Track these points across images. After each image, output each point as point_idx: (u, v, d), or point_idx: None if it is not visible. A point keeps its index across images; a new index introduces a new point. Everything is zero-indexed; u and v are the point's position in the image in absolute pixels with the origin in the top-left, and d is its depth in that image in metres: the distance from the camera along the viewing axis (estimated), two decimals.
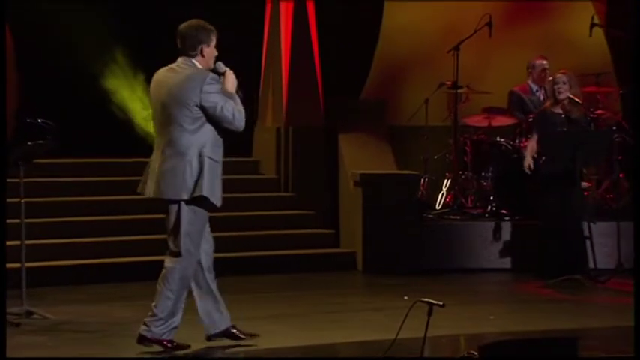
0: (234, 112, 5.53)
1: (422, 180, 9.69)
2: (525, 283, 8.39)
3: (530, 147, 8.65)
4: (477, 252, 9.18)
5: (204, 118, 5.53)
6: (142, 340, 5.63)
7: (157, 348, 5.65)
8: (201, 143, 5.53)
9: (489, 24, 9.73)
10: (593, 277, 8.22)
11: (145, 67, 9.25)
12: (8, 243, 7.25)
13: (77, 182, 9.41)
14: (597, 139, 8.74)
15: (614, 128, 9.50)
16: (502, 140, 9.61)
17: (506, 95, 9.95)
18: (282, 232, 9.55)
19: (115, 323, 6.56)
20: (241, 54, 10.46)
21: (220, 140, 5.63)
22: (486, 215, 9.43)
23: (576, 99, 8.54)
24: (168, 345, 5.65)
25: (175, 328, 5.65)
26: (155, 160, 5.65)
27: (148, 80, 5.86)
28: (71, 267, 8.36)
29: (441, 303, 5.06)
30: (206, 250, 5.74)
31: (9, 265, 7.18)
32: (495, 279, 8.84)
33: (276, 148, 10.30)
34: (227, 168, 10.23)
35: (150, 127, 6.21)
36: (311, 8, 10.20)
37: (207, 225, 5.72)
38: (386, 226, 9.11)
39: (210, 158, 5.56)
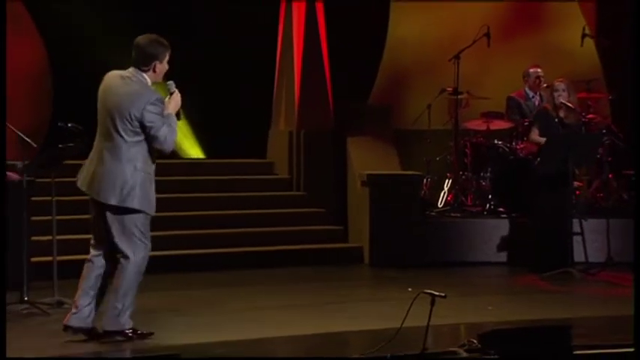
0: (167, 136, 5.50)
1: (425, 180, 9.68)
2: (521, 276, 8.36)
3: (535, 137, 8.63)
4: (477, 247, 9.16)
5: (142, 134, 5.52)
6: (105, 335, 5.59)
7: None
8: (137, 156, 5.51)
9: (487, 34, 9.72)
10: (584, 270, 8.20)
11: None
12: (41, 238, 7.31)
13: None
14: (588, 141, 8.73)
15: (604, 131, 9.45)
16: (500, 143, 9.59)
17: (504, 101, 9.93)
18: (294, 228, 9.55)
19: (137, 312, 6.56)
20: (258, 60, 10.50)
21: (154, 154, 5.59)
22: (485, 213, 9.40)
23: (571, 105, 8.53)
24: (130, 334, 5.62)
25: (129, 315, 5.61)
26: (92, 159, 5.62)
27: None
28: None
29: (443, 294, 5.05)
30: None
31: (42, 259, 7.23)
32: (493, 272, 8.81)
33: (289, 150, 10.30)
34: (243, 169, 10.41)
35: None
36: (321, 19, 10.21)
37: None
38: (391, 223, 9.10)
39: (145, 172, 5.54)
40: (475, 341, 5.23)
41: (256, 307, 6.96)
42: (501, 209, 9.34)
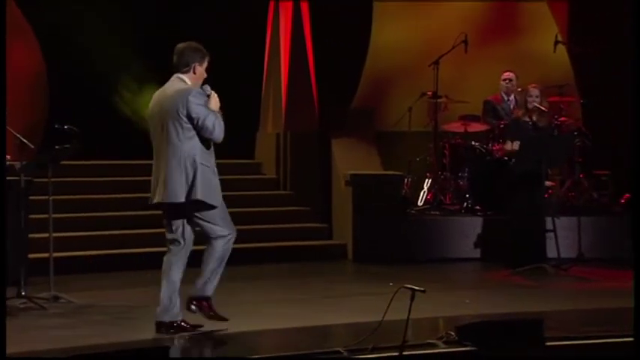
0: (215, 124, 5.53)
1: (405, 180, 9.70)
2: (497, 271, 8.38)
3: (509, 148, 8.69)
4: (455, 243, 9.18)
5: (193, 128, 5.54)
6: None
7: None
8: (194, 151, 5.54)
9: (465, 41, 9.76)
10: (556, 265, 8.24)
11: (156, 78, 9.33)
12: (38, 236, 7.29)
13: (98, 182, 9.43)
14: (561, 143, 8.78)
15: (575, 133, 9.48)
16: (477, 144, 9.63)
17: (481, 104, 9.98)
18: (281, 226, 9.56)
19: (132, 307, 6.57)
20: (246, 62, 10.50)
21: (210, 147, 5.63)
22: (462, 211, 9.43)
23: (544, 109, 8.61)
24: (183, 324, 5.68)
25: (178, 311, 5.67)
26: (158, 170, 5.65)
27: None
28: (94, 257, 8.37)
29: (422, 289, 5.06)
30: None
31: (39, 256, 7.21)
32: (470, 268, 8.84)
33: (276, 151, 10.32)
34: (232, 169, 10.40)
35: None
36: (307, 25, 10.22)
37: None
38: (374, 221, 9.12)
39: (202, 164, 5.56)
40: (453, 333, 5.27)
41: (244, 301, 6.96)
42: (478, 207, 9.37)
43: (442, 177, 9.75)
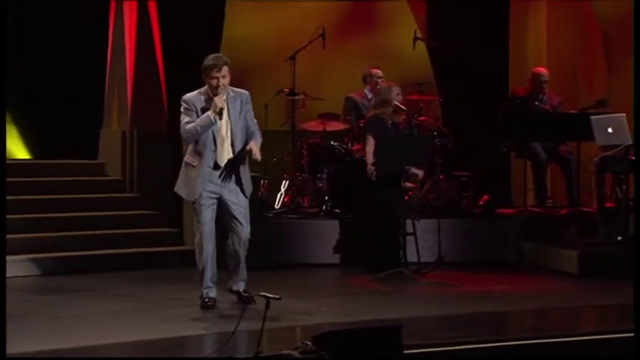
0: (182, 126, 6.79)
1: (262, 181, 9.74)
2: (356, 277, 8.50)
3: (370, 148, 8.75)
4: (313, 248, 9.27)
5: None
6: None
7: None
8: (187, 150, 6.84)
9: (323, 36, 9.89)
10: (416, 270, 8.46)
11: None
12: None
13: None
14: (420, 143, 9.00)
15: (435, 133, 9.71)
16: (336, 144, 9.77)
17: (341, 101, 10.13)
18: (127, 231, 9.43)
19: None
20: (88, 57, 10.31)
21: (200, 148, 6.72)
22: (321, 214, 9.55)
23: (403, 108, 8.84)
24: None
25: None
26: None
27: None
28: None
29: (278, 296, 5.12)
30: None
31: None
32: (329, 273, 8.94)
33: (122, 150, 10.17)
34: (73, 170, 10.18)
35: None
36: (154, 18, 10.13)
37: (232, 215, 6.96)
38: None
39: (186, 162, 6.79)
40: (309, 343, 5.33)
41: (90, 313, 6.84)
42: (337, 210, 9.51)
43: (300, 178, 9.85)
